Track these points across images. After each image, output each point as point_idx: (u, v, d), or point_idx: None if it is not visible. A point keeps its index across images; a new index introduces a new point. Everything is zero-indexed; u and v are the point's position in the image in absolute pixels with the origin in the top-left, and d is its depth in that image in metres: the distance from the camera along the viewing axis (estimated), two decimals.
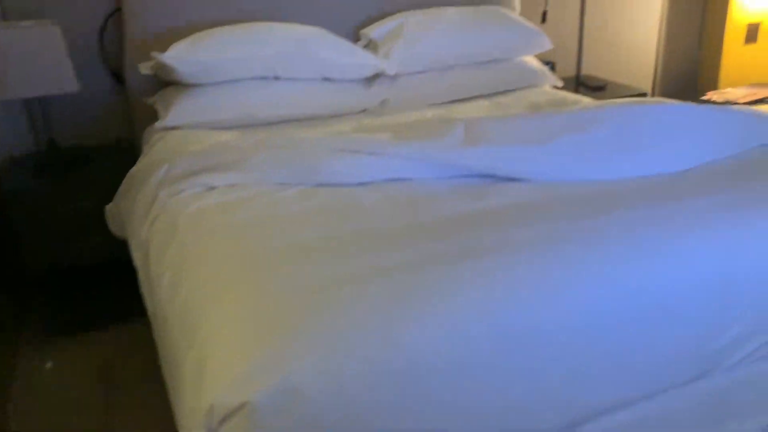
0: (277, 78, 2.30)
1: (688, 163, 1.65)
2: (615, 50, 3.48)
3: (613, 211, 1.44)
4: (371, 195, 1.58)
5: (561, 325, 1.23)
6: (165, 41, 2.27)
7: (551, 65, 3.10)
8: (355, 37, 2.64)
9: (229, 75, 2.24)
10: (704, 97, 3.39)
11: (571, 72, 3.41)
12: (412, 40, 2.46)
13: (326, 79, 2.39)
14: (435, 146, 1.66)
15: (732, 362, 1.46)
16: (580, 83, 3.22)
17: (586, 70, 3.44)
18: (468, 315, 1.14)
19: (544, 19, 3.13)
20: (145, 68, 2.30)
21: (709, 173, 1.62)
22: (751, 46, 3.63)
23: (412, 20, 2.52)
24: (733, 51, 3.60)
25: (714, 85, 3.64)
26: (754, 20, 3.57)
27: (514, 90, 2.63)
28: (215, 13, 2.45)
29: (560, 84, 2.74)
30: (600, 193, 1.54)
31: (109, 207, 2.06)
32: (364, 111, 2.44)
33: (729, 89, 3.48)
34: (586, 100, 2.43)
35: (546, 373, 1.23)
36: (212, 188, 1.66)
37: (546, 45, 2.66)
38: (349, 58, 2.37)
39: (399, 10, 2.67)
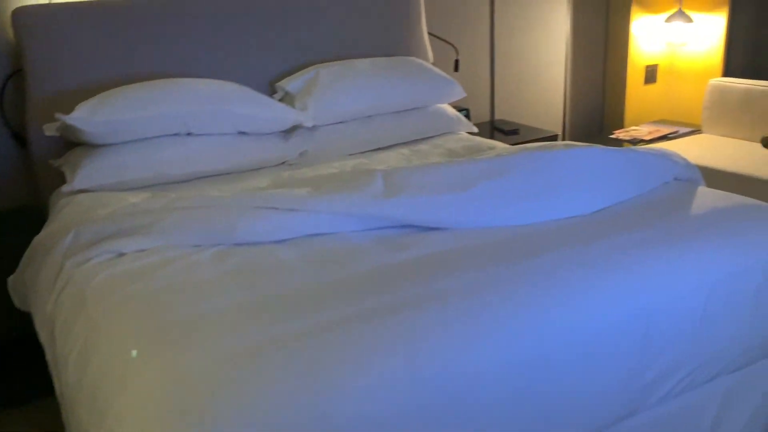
0: (190, 134, 2.24)
1: (599, 205, 1.70)
2: (526, 95, 3.61)
3: (534, 256, 1.46)
4: (290, 253, 1.54)
5: (489, 375, 1.22)
6: (70, 101, 2.18)
7: (466, 112, 3.18)
8: (270, 91, 2.62)
9: (139, 134, 2.16)
10: (612, 136, 3.56)
11: (485, 117, 3.51)
12: (328, 92, 2.46)
13: (242, 133, 2.35)
14: (354, 199, 1.64)
15: (658, 397, 1.48)
16: (494, 128, 3.31)
17: (499, 115, 3.55)
18: (389, 375, 1.12)
19: (456, 67, 3.21)
20: (49, 130, 2.19)
21: (621, 213, 1.68)
22: (651, 86, 3.85)
23: (325, 72, 2.53)
24: (635, 91, 3.81)
25: (620, 124, 3.83)
26: (651, 62, 3.80)
27: (432, 137, 2.67)
28: (123, 70, 2.38)
29: (475, 130, 2.81)
30: (519, 238, 1.56)
31: (11, 279, 1.93)
32: (283, 163, 2.41)
33: (634, 127, 3.67)
34: (500, 145, 2.49)
35: (471, 424, 1.21)
36: (122, 255, 1.57)
37: (459, 93, 2.72)
38: (265, 111, 2.35)
39: (313, 63, 2.68)
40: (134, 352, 1.17)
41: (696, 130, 3.51)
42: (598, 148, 1.81)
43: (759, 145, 3.05)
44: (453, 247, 1.52)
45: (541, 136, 3.13)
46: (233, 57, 2.58)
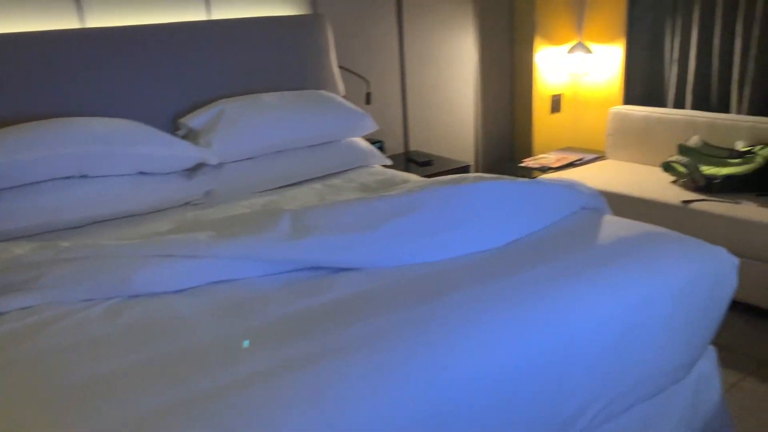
0: (84, 176, 2.10)
1: (509, 237, 1.69)
2: (439, 125, 3.65)
3: (447, 294, 1.42)
4: (191, 304, 1.44)
5: (402, 428, 1.15)
6: None
7: (381, 144, 3.16)
8: (173, 127, 2.51)
9: (27, 178, 2.00)
10: (522, 164, 3.63)
11: (400, 149, 3.50)
12: (233, 128, 2.38)
13: (142, 173, 2.22)
14: (260, 242, 1.56)
15: (578, 430, 1.46)
16: (409, 160, 3.31)
17: (414, 146, 3.55)
18: None
19: (368, 100, 3.20)
20: None
21: (531, 245, 1.67)
22: (556, 115, 3.98)
23: (231, 107, 2.45)
24: (542, 120, 3.92)
25: (529, 152, 3.92)
26: (556, 92, 3.93)
27: (345, 171, 2.62)
28: (15, 109, 2.21)
29: (389, 162, 2.79)
30: (431, 275, 1.53)
31: None
32: (188, 204, 2.29)
33: (542, 155, 3.77)
34: (413, 178, 2.47)
35: None
36: (2, 314, 1.42)
37: (371, 126, 2.70)
38: (166, 150, 2.23)
39: (219, 98, 2.59)
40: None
41: (600, 156, 3.64)
42: (507, 181, 1.81)
43: (660, 170, 3.19)
44: (364, 289, 1.47)
45: (454, 167, 3.15)
46: (134, 93, 2.45)
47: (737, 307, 2.61)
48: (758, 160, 2.76)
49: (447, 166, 3.16)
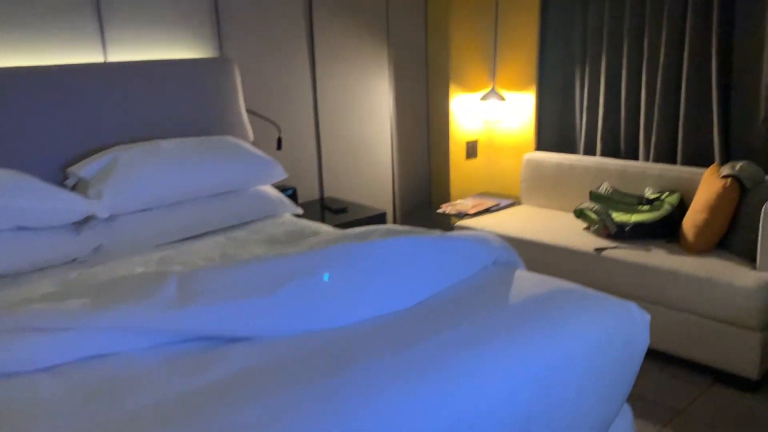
0: None
1: (418, 297, 1.60)
2: (355, 171, 3.56)
3: (350, 365, 1.30)
4: (55, 385, 1.25)
5: None
6: None
7: (293, 191, 3.04)
8: (62, 177, 2.31)
9: None
10: (439, 210, 3.59)
11: (314, 195, 3.39)
12: (128, 177, 2.20)
13: (21, 228, 2.01)
14: (140, 310, 1.40)
15: None
16: (324, 207, 3.20)
17: (330, 192, 3.45)
18: None
19: (279, 146, 3.08)
20: None
21: (440, 305, 1.58)
22: (473, 161, 3.98)
23: (126, 155, 2.27)
24: (458, 166, 3.91)
25: (446, 198, 3.90)
26: (471, 138, 3.94)
27: (252, 222, 2.48)
28: None
29: (300, 211, 2.67)
30: (334, 343, 1.40)
31: None
32: (74, 260, 2.09)
33: (459, 201, 3.74)
34: (324, 229, 2.36)
35: None
36: None
37: (280, 174, 2.57)
38: (49, 202, 2.03)
39: (115, 144, 2.41)
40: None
41: (516, 202, 3.65)
42: (415, 237, 1.73)
43: (572, 216, 3.21)
44: (259, 362, 1.33)
45: (369, 215, 3.06)
46: (19, 140, 2.24)
47: (650, 354, 2.61)
48: (666, 207, 2.81)
49: (362, 214, 3.07)
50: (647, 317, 1.64)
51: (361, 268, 1.57)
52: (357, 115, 3.51)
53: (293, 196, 3.00)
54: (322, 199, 3.37)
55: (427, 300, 1.61)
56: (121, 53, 2.61)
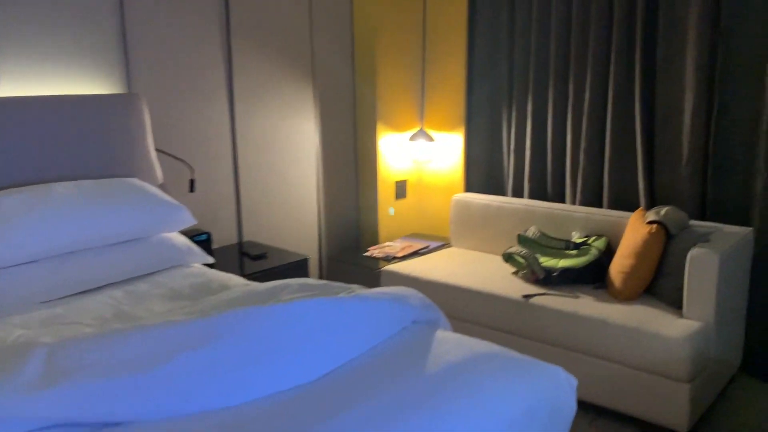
0: None
1: (327, 366, 1.44)
2: (278, 213, 3.39)
3: None
4: None
5: None
6: None
7: (207, 236, 2.83)
8: None
9: None
10: (366, 253, 3.45)
11: (232, 240, 3.19)
12: (11, 225, 1.97)
13: None
14: None
15: None
16: (242, 253, 3.00)
17: (249, 236, 3.26)
18: None
19: (192, 188, 2.88)
20: None
21: (348, 378, 1.42)
22: (403, 201, 3.88)
23: (10, 200, 2.04)
24: (387, 207, 3.79)
25: (375, 240, 3.76)
26: (400, 178, 3.84)
27: (155, 273, 2.27)
28: None
29: (210, 260, 2.47)
30: (227, 426, 1.22)
31: None
32: None
33: (388, 243, 3.62)
34: (235, 280, 2.18)
35: None
36: None
37: (187, 220, 2.38)
38: None
39: (3, 187, 2.17)
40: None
41: (446, 244, 3.55)
42: (326, 299, 1.56)
43: (501, 259, 3.13)
44: None
45: (291, 260, 2.89)
46: None
47: (581, 406, 2.52)
48: (593, 252, 2.76)
49: (283, 260, 2.90)
50: (574, 382, 1.53)
51: (261, 336, 1.40)
52: (280, 154, 3.35)
53: (207, 242, 2.80)
54: (240, 244, 3.17)
55: (335, 370, 1.44)
56: (15, 87, 2.38)
